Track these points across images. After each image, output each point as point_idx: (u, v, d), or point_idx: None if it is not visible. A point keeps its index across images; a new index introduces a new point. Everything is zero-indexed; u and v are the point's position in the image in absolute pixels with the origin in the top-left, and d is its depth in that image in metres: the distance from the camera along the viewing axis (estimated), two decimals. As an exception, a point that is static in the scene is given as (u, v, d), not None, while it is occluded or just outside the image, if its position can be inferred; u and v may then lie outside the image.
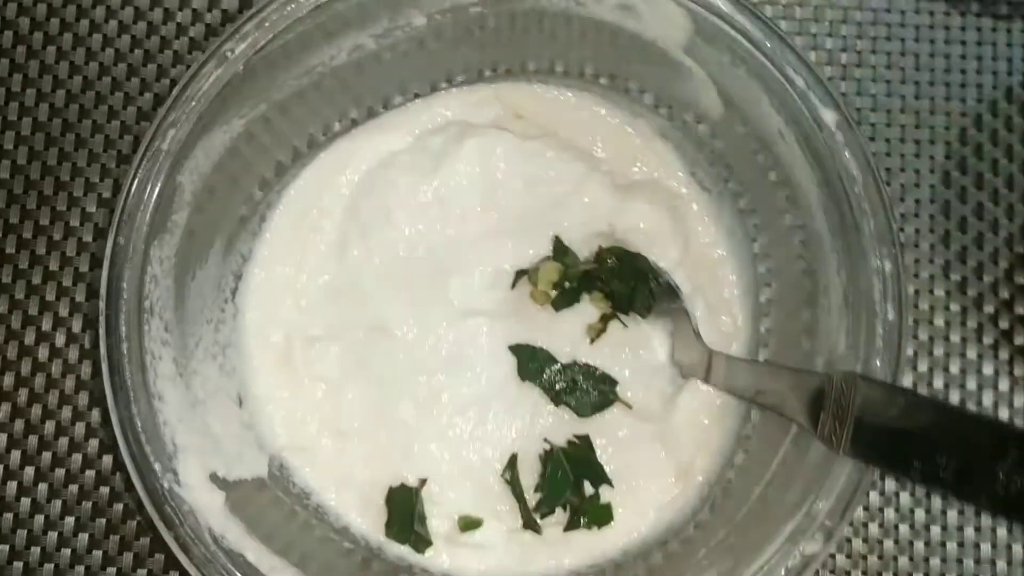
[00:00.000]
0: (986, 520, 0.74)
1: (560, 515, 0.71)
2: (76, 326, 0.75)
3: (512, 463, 0.71)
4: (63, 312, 0.75)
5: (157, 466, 0.61)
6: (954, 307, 0.77)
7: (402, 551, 0.71)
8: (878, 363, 0.60)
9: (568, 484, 0.70)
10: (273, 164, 0.73)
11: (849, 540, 0.73)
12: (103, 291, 0.62)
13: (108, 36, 0.78)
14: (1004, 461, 0.51)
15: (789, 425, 0.64)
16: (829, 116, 0.62)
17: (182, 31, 0.79)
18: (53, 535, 0.73)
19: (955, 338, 0.76)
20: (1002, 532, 0.73)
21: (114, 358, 0.61)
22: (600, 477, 0.70)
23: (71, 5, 0.79)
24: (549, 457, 0.70)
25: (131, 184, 0.63)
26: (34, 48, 0.78)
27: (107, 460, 0.74)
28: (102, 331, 0.62)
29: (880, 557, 0.73)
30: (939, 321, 0.77)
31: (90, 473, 0.74)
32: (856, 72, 0.79)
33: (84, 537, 0.73)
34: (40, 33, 0.79)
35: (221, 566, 0.61)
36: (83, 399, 0.74)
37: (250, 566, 0.62)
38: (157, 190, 0.63)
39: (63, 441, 0.74)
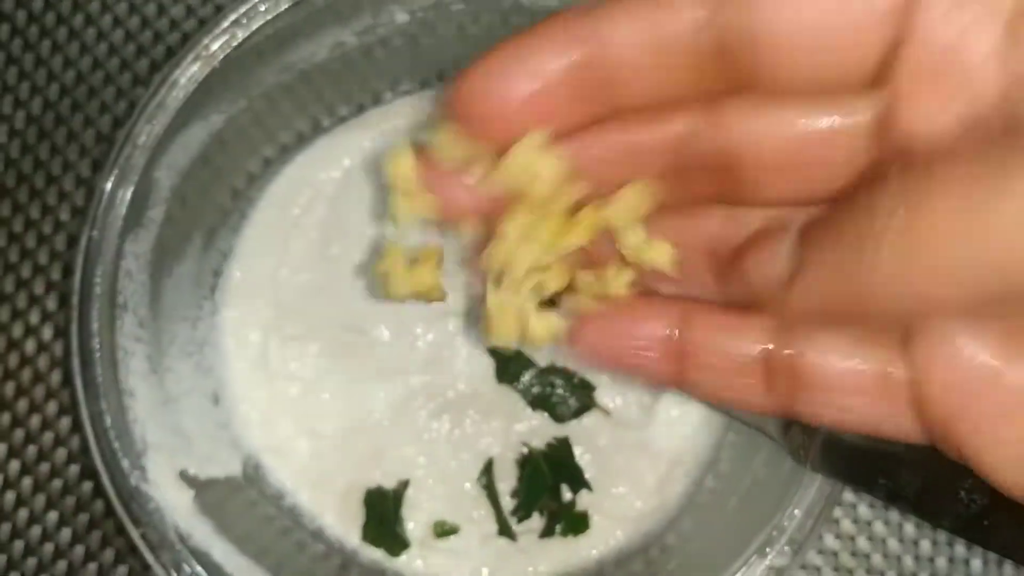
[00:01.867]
0: (942, 535, 0.72)
1: (537, 520, 0.70)
2: (47, 334, 0.74)
3: (488, 468, 0.70)
4: (34, 320, 0.74)
5: (125, 462, 0.60)
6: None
7: (376, 555, 0.70)
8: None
9: (546, 487, 0.69)
10: (254, 160, 0.72)
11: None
12: (76, 285, 0.62)
13: (87, 45, 0.77)
14: (966, 480, 0.50)
15: (764, 438, 0.62)
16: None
17: (159, 39, 0.78)
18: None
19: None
20: (960, 549, 0.72)
21: (85, 354, 0.61)
22: (579, 481, 0.69)
23: (50, 13, 0.77)
24: (527, 460, 0.70)
25: (106, 179, 0.62)
26: (14, 56, 0.77)
27: (74, 469, 0.73)
28: (74, 326, 0.61)
29: (835, 569, 0.72)
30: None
31: (57, 482, 0.72)
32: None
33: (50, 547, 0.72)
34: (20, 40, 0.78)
35: (186, 564, 0.61)
36: (52, 407, 0.73)
37: (215, 565, 0.62)
38: (133, 185, 0.63)
39: (31, 449, 0.72)
